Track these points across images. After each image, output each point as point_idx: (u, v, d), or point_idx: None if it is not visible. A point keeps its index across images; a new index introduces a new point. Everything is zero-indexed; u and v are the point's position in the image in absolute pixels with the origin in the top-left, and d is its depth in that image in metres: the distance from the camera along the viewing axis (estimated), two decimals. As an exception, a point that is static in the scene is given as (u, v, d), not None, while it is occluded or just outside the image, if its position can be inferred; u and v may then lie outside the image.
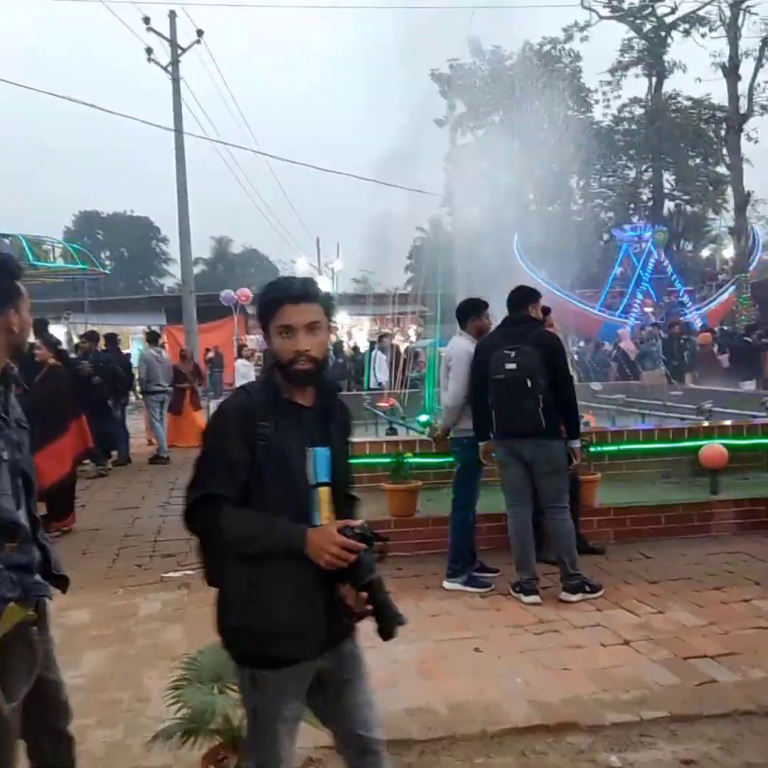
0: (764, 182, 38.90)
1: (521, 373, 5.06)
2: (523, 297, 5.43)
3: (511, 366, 5.10)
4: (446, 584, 5.45)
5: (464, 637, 4.58)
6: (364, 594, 2.07)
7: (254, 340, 24.19)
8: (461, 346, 5.63)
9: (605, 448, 7.19)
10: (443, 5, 31.32)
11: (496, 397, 5.21)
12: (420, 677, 4.09)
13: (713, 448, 6.87)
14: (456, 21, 36.39)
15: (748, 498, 6.68)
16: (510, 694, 3.84)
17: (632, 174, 37.07)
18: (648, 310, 27.08)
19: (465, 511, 5.54)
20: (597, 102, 34.72)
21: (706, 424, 7.90)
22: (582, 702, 3.74)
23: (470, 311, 5.74)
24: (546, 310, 6.03)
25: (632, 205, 36.45)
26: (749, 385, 15.03)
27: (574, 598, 5.11)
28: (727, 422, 7.94)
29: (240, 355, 17.90)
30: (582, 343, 23.07)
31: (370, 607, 2.07)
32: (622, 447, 7.30)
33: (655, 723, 3.54)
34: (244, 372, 16.24)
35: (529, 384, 5.04)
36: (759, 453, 7.47)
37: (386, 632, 2.08)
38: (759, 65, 24.15)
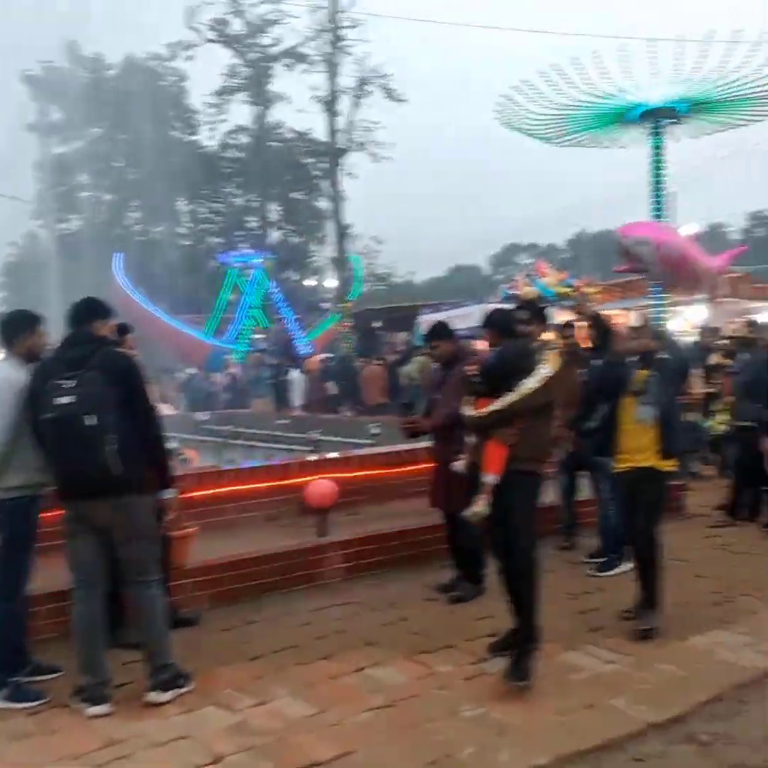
0: (362, 217, 41.84)
1: (80, 408, 3.77)
2: (88, 310, 4.15)
3: (66, 399, 3.79)
4: (-20, 703, 3.96)
5: (-9, 795, 3.20)
6: None
7: None
8: (3, 373, 4.21)
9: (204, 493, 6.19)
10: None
11: (50, 443, 3.89)
12: None
13: (320, 485, 6.25)
14: (50, 21, 33.35)
15: (357, 537, 6.14)
16: None
17: (240, 201, 37.22)
18: (258, 336, 27.03)
19: (8, 602, 4.10)
20: (202, 124, 34.30)
21: (314, 457, 7.32)
22: None
23: (20, 326, 4.33)
24: (124, 329, 4.87)
25: (240, 233, 36.56)
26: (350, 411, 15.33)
27: (165, 696, 3.95)
28: (336, 454, 7.43)
29: None
30: (192, 371, 22.05)
31: None
32: (224, 489, 6.37)
33: None
34: None
35: (93, 422, 3.75)
36: (368, 486, 7.04)
37: None
38: (355, 103, 25.56)
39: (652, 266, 8.88)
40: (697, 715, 3.73)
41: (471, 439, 4.43)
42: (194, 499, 5.91)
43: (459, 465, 4.59)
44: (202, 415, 12.76)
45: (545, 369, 4.19)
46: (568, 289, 13.78)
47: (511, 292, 13.85)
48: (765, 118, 14.25)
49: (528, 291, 13.15)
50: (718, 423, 7.90)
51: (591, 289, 15.41)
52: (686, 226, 29.27)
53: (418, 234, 62.00)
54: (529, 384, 4.13)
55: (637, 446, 4.85)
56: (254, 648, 4.63)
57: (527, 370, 4.18)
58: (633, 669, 4.22)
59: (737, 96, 14.28)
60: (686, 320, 21.60)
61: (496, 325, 4.56)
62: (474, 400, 4.33)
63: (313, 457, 7.37)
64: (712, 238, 52.31)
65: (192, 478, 6.13)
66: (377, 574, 5.97)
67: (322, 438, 9.66)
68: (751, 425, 7.41)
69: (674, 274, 9.20)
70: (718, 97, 14.49)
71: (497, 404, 4.15)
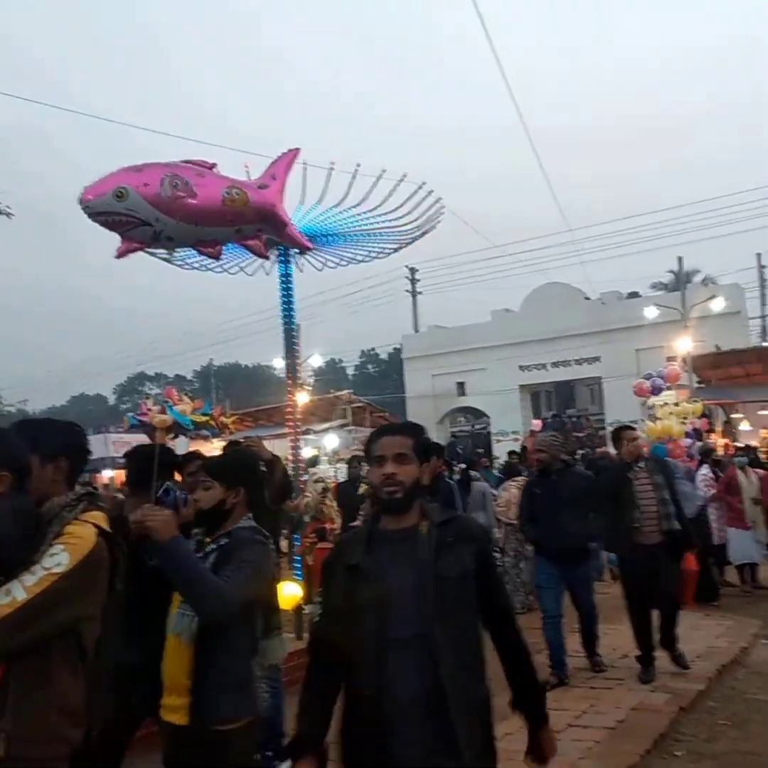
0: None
1: None
2: None
3: None
4: None
5: None
6: None
7: None
8: None
9: None
10: None
11: None
12: None
13: None
14: None
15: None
16: None
17: None
18: None
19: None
20: None
21: None
22: None
23: None
24: None
25: None
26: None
27: None
28: None
29: None
30: None
31: None
32: None
33: None
34: None
35: None
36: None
37: None
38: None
39: (149, 214, 5.21)
40: None
41: None
42: None
43: None
44: None
45: (56, 558, 2.06)
46: (206, 418, 12.93)
47: (141, 419, 12.59)
48: (387, 256, 15.10)
49: (161, 418, 12.02)
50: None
51: (228, 419, 14.77)
52: (311, 358, 30.57)
53: (30, 360, 58.09)
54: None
55: (174, 682, 2.67)
56: None
57: (18, 558, 2.06)
58: None
59: (361, 230, 14.89)
60: (317, 448, 21.99)
61: None
62: None
63: None
64: (332, 370, 55.97)
65: None
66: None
67: None
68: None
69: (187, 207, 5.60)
70: (343, 230, 14.99)
71: None
